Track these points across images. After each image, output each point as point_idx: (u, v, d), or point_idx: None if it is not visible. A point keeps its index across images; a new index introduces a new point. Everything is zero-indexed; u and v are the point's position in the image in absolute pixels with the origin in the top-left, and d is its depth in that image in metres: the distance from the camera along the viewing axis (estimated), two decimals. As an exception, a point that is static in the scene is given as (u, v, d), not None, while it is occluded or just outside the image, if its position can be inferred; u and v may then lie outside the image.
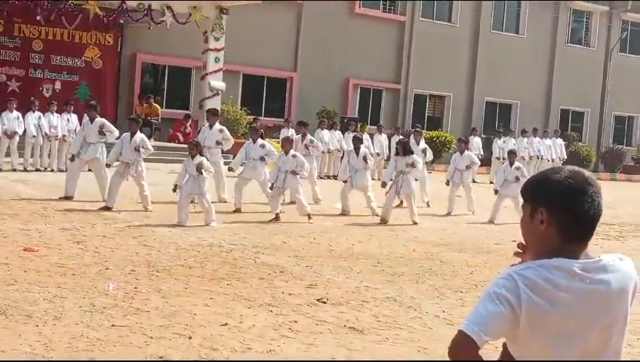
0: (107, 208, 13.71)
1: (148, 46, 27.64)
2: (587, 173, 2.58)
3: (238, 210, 14.59)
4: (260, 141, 15.17)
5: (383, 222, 14.56)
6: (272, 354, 6.27)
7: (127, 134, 14.47)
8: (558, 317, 2.44)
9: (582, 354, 2.47)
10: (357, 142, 16.18)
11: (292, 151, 14.43)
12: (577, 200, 2.50)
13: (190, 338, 6.50)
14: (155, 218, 13.11)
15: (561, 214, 2.51)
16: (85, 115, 16.36)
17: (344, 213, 15.43)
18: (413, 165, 14.77)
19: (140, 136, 14.43)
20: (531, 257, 2.56)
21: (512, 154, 16.91)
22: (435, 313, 7.88)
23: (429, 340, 6.93)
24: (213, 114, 16.65)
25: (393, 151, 17.28)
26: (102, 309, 7.13)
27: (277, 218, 13.75)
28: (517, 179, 15.71)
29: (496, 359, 2.68)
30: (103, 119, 15.70)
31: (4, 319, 6.63)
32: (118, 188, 14.00)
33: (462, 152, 17.44)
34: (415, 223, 14.59)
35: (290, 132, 23.89)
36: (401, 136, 25.95)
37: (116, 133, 15.45)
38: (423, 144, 18.85)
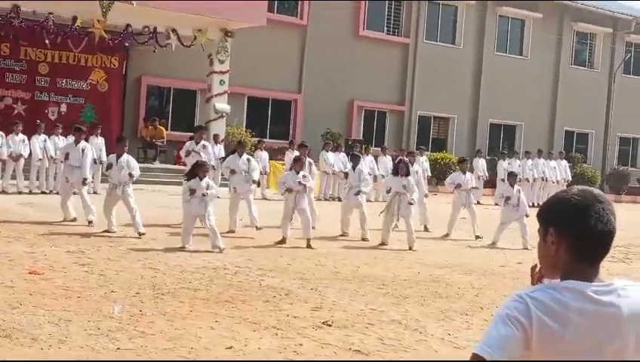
0: (107, 231, 13.80)
1: (153, 69, 27.77)
2: (597, 191, 2.58)
3: (232, 231, 14.66)
4: (245, 156, 15.53)
5: (383, 244, 14.50)
6: (277, 377, 6.26)
7: (113, 156, 14.46)
8: (569, 339, 2.43)
9: None
10: (355, 159, 16.21)
11: (302, 172, 14.21)
12: (583, 216, 2.50)
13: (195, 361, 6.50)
14: (160, 241, 13.10)
15: (568, 232, 2.51)
16: (71, 135, 16.63)
17: (344, 234, 15.44)
18: (405, 188, 14.57)
19: (126, 157, 14.30)
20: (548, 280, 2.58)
21: (512, 176, 16.68)
22: (440, 336, 7.86)
23: (435, 363, 6.91)
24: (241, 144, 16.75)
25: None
26: (107, 332, 7.13)
27: (283, 241, 13.68)
28: (518, 200, 15.69)
29: None
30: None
31: (8, 342, 6.63)
32: (112, 209, 13.91)
33: (464, 172, 17.34)
34: (411, 249, 14.21)
35: (295, 154, 23.97)
36: (405, 158, 26.02)
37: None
38: (417, 166, 18.85)
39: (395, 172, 15.07)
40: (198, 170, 12.76)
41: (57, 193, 19.97)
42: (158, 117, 27.62)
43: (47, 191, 20.02)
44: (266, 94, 30.47)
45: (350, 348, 7.21)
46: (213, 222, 12.64)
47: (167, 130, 27.63)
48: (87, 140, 20.70)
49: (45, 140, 20.09)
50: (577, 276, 2.49)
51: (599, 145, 38.67)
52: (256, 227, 15.02)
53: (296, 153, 24.20)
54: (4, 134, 19.59)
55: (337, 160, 24.40)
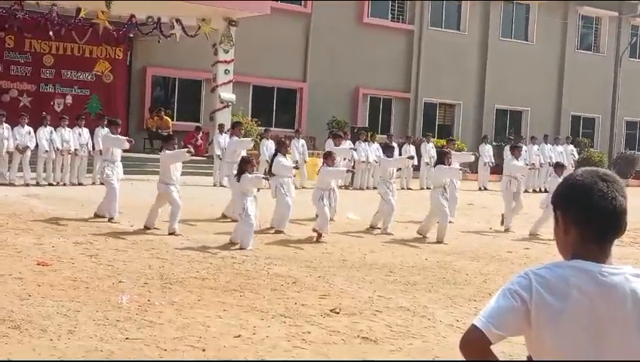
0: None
1: (158, 59, 27.75)
2: (603, 170, 2.58)
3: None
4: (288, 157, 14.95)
5: (422, 235, 13.92)
6: (285, 365, 6.27)
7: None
8: (568, 315, 2.44)
9: (595, 359, 2.47)
10: (389, 150, 15.69)
11: (335, 166, 13.60)
12: (587, 196, 2.50)
13: (204, 350, 6.52)
14: (166, 230, 13.08)
15: (573, 212, 2.53)
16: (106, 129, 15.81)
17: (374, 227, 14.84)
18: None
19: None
20: None
21: (559, 167, 16.01)
22: (448, 322, 7.86)
23: (443, 349, 6.92)
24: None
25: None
26: (115, 322, 7.15)
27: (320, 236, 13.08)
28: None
29: None
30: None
31: (18, 333, 6.66)
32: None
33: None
34: (440, 242, 13.59)
35: (301, 142, 23.93)
36: (431, 144, 25.84)
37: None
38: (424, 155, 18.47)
39: (442, 162, 14.24)
40: (246, 166, 12.19)
41: (64, 184, 20.11)
42: (163, 107, 27.63)
43: (54, 183, 20.06)
44: (271, 83, 30.42)
45: (358, 335, 7.22)
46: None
47: (172, 120, 27.63)
48: (92, 132, 20.85)
49: (51, 132, 20.12)
50: (585, 256, 2.50)
51: (606, 129, 38.53)
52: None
53: (303, 141, 24.31)
54: (10, 126, 19.62)
55: (344, 147, 24.34)
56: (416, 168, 26.03)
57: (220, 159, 22.92)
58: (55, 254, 10.44)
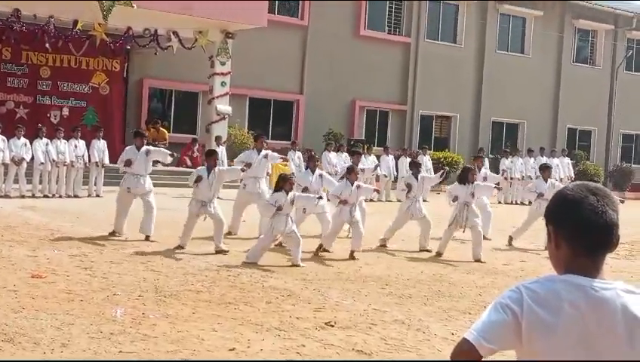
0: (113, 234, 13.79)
1: (154, 71, 27.77)
2: (594, 184, 2.58)
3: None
4: (317, 172, 14.12)
5: (439, 255, 13.45)
6: (279, 378, 6.25)
7: (202, 168, 13.29)
8: (561, 330, 2.43)
9: None
10: (416, 167, 15.03)
11: (357, 183, 13.08)
12: (577, 210, 2.50)
13: (198, 363, 6.49)
14: (162, 243, 13.06)
15: (564, 227, 2.53)
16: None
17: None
18: (472, 196, 13.51)
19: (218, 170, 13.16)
20: None
21: (547, 169, 15.99)
22: (443, 335, 7.84)
23: (438, 363, 6.89)
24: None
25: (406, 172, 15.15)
26: (109, 336, 7.12)
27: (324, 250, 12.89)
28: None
29: None
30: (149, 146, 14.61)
31: (11, 346, 6.63)
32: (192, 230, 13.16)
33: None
34: (479, 261, 13.10)
35: (297, 154, 23.94)
36: (428, 156, 25.73)
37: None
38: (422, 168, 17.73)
39: (462, 180, 13.62)
40: (284, 183, 11.72)
41: (60, 196, 20.08)
42: (160, 119, 27.63)
43: (50, 195, 20.05)
44: (268, 95, 30.45)
45: (353, 349, 7.20)
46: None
47: (169, 132, 27.64)
48: (89, 144, 20.85)
49: (47, 144, 20.11)
50: (577, 270, 2.49)
51: (602, 142, 38.61)
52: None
53: (299, 153, 24.31)
54: (6, 138, 19.60)
55: (339, 160, 24.36)
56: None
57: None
58: (50, 266, 10.41)
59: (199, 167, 13.47)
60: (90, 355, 6.51)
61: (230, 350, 6.92)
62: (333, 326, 7.97)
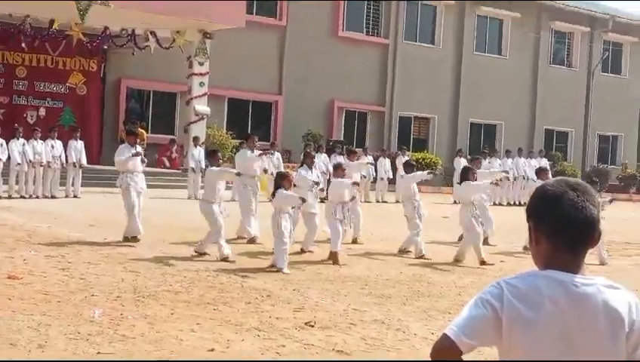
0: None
1: (132, 71, 27.63)
2: (574, 180, 2.57)
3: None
4: (315, 170, 14.02)
5: (458, 261, 13.01)
6: (259, 379, 6.21)
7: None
8: (541, 326, 2.42)
9: None
10: (409, 167, 14.74)
11: (348, 179, 12.90)
12: (556, 205, 2.48)
13: (177, 364, 6.44)
14: (141, 244, 12.98)
15: (544, 222, 2.51)
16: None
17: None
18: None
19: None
20: None
21: (543, 172, 15.74)
22: (423, 335, 7.83)
23: (418, 362, 6.89)
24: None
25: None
26: (87, 336, 7.05)
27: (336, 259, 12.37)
28: None
29: None
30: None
31: (-13, 348, 6.55)
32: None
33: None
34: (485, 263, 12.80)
35: (276, 155, 23.87)
36: (407, 158, 25.65)
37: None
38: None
39: (467, 178, 13.31)
40: (282, 182, 11.47)
41: (37, 197, 19.92)
42: (138, 120, 27.49)
43: (27, 196, 19.90)
44: (247, 96, 30.40)
45: (333, 349, 7.17)
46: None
47: (147, 132, 27.49)
48: (66, 144, 20.71)
49: (24, 144, 19.95)
50: (558, 266, 2.48)
51: (579, 143, 38.89)
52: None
53: (278, 154, 24.25)
54: (-19, 139, 19.43)
55: (319, 160, 24.33)
56: (392, 181, 26.08)
57: (194, 172, 22.84)
58: (26, 267, 10.31)
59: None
60: (69, 356, 6.44)
61: (209, 350, 6.87)
62: (312, 326, 7.94)
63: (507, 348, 2.48)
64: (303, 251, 12.81)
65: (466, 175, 13.45)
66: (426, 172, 15.54)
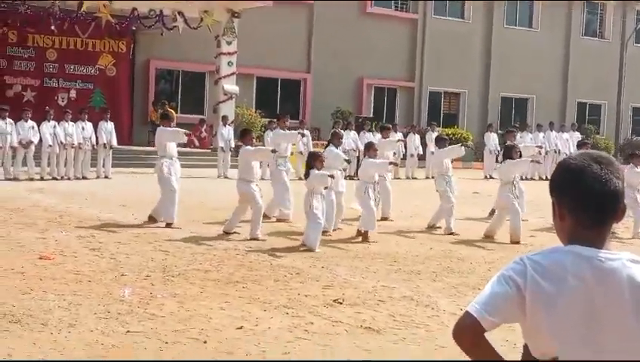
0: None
1: (161, 52, 27.70)
2: (598, 152, 2.51)
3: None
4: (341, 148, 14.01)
5: (490, 236, 12.92)
6: (287, 356, 6.22)
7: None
8: (564, 301, 2.38)
9: (593, 351, 2.39)
10: (442, 142, 14.60)
11: (381, 159, 12.87)
12: (579, 178, 2.43)
13: (205, 342, 6.47)
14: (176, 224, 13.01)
15: (568, 197, 2.46)
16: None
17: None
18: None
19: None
20: None
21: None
22: (452, 311, 7.80)
23: (446, 339, 6.85)
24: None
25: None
26: (117, 315, 7.11)
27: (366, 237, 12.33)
28: None
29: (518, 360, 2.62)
30: None
31: (19, 327, 6.62)
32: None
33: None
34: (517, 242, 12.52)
35: (306, 133, 23.82)
36: (436, 133, 25.32)
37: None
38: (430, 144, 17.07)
39: (510, 157, 13.16)
40: (315, 162, 11.43)
41: (68, 178, 20.11)
42: (167, 100, 27.59)
43: (59, 178, 20.08)
44: (275, 74, 30.36)
45: (361, 325, 7.17)
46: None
47: (176, 112, 27.56)
48: (96, 126, 20.87)
49: (55, 126, 20.11)
50: (582, 241, 2.43)
51: (612, 116, 38.35)
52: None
53: (307, 132, 24.22)
54: (13, 121, 19.61)
55: (348, 138, 24.27)
56: (422, 157, 25.96)
57: (224, 151, 22.91)
58: (58, 248, 10.41)
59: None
60: (98, 335, 6.50)
61: (238, 328, 6.90)
62: (341, 303, 7.94)
63: (530, 325, 2.44)
64: (326, 232, 12.33)
65: (509, 153, 13.26)
66: (458, 145, 15.44)
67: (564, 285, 2.38)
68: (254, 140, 13.29)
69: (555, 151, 28.39)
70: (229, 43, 25.86)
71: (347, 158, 13.60)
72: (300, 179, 12.79)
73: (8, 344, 6.17)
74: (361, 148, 22.92)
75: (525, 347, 2.55)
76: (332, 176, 11.58)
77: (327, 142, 14.06)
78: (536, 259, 2.44)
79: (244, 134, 12.92)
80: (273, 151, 12.98)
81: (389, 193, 14.81)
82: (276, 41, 29.54)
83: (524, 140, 27.50)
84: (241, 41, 26.15)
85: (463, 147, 15.10)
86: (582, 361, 2.38)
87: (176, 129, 13.67)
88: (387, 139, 16.36)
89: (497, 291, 2.43)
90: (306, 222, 11.36)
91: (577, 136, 30.32)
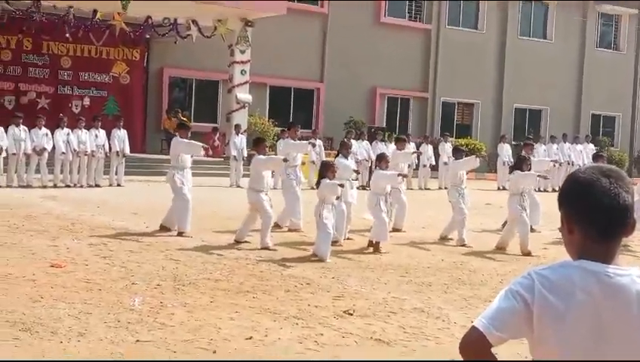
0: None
1: (174, 60, 27.78)
2: (608, 166, 2.49)
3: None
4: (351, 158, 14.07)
5: (501, 248, 12.85)
6: (296, 367, 6.20)
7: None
8: (572, 317, 2.35)
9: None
10: (458, 153, 14.63)
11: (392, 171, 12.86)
12: (588, 192, 2.40)
13: (215, 352, 6.46)
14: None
15: (576, 210, 2.43)
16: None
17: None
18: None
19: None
20: None
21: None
22: (463, 323, 7.75)
23: (457, 351, 6.80)
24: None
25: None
26: (127, 325, 7.10)
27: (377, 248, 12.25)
28: None
29: None
30: None
31: (28, 336, 6.62)
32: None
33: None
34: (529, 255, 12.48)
35: (318, 143, 23.77)
36: (449, 144, 25.33)
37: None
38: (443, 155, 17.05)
39: (520, 168, 13.11)
40: (326, 171, 11.43)
41: (81, 186, 20.16)
42: (180, 108, 27.65)
43: (72, 185, 20.12)
44: (288, 83, 30.38)
45: (371, 337, 7.14)
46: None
47: (190, 121, 27.61)
48: (109, 133, 20.93)
49: (68, 134, 20.19)
50: (590, 256, 2.41)
51: (626, 128, 38.19)
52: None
53: (319, 142, 24.19)
54: (27, 128, 19.70)
55: (360, 148, 24.27)
56: (434, 168, 25.91)
57: (236, 160, 22.93)
58: (69, 256, 10.43)
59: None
60: (107, 344, 6.49)
61: (247, 339, 6.88)
62: (351, 314, 7.91)
63: (538, 340, 2.41)
64: (336, 243, 12.21)
65: (519, 164, 13.22)
66: (473, 157, 15.40)
67: (572, 300, 2.36)
68: (267, 149, 13.23)
69: (569, 163, 28.28)
70: (242, 52, 25.91)
71: (356, 169, 13.57)
72: (312, 188, 12.77)
73: (18, 352, 6.17)
74: (374, 158, 22.95)
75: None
76: (342, 186, 11.55)
77: (337, 152, 14.04)
78: (544, 273, 2.41)
79: (257, 143, 12.87)
80: (284, 160, 12.96)
81: (404, 205, 14.73)
82: (290, 50, 29.59)
83: (538, 152, 27.44)
84: (254, 50, 26.20)
85: (478, 159, 15.10)
86: None
87: (195, 142, 13.60)
88: (402, 151, 16.26)
89: (504, 306, 2.41)
90: (317, 232, 11.33)
91: (591, 148, 30.22)
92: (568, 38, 36.16)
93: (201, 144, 13.62)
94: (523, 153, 15.31)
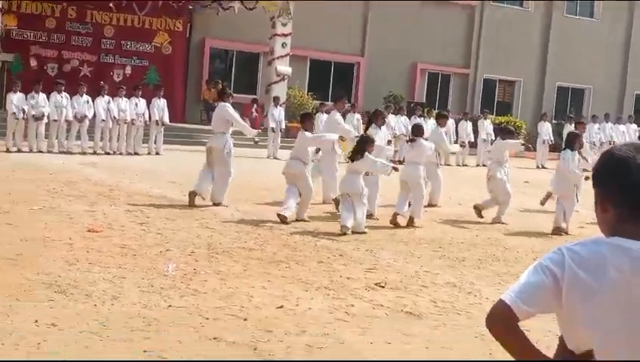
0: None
1: (216, 32, 27.84)
2: None
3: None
4: (384, 128, 13.69)
5: (560, 230, 12.39)
6: (326, 337, 6.22)
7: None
8: (603, 293, 2.31)
9: (629, 344, 2.33)
10: (508, 134, 14.17)
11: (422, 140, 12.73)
12: (623, 169, 2.35)
13: (245, 319, 6.51)
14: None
15: (610, 188, 2.39)
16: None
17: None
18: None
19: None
20: None
21: None
22: (494, 299, 7.68)
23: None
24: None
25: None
26: (160, 290, 7.18)
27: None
28: None
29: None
30: None
31: (63, 298, 6.73)
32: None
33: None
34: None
35: (356, 117, 23.71)
36: (488, 121, 25.10)
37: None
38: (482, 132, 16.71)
39: (571, 146, 12.55)
40: (367, 146, 11.23)
41: (121, 154, 20.38)
42: (220, 79, 27.74)
43: (111, 152, 20.34)
44: (329, 57, 30.29)
45: (402, 310, 7.13)
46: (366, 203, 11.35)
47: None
48: (149, 103, 21.09)
49: (109, 102, 20.38)
50: (624, 234, 2.36)
51: (672, 109, 37.53)
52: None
53: (358, 116, 24.13)
54: (69, 96, 19.92)
55: (399, 122, 24.16)
56: (473, 145, 25.72)
57: (274, 132, 22.97)
58: (106, 221, 10.56)
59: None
60: (140, 308, 6.57)
61: (278, 307, 6.92)
62: (383, 286, 7.91)
63: (567, 316, 2.38)
64: (371, 216, 12.19)
65: (570, 142, 12.70)
66: (519, 142, 15.26)
67: (602, 276, 2.32)
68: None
69: (610, 143, 27.84)
70: (284, 24, 25.89)
71: (389, 139, 13.42)
72: (347, 161, 12.63)
73: (53, 314, 6.27)
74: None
75: (561, 338, 2.50)
76: (395, 168, 11.54)
77: (367, 120, 13.81)
78: (575, 249, 2.37)
79: (304, 119, 12.61)
80: (341, 138, 12.91)
81: (440, 181, 14.64)
82: (331, 24, 29.47)
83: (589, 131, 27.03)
84: (295, 23, 26.15)
85: (523, 146, 15.08)
86: (616, 358, 2.33)
87: (246, 125, 13.85)
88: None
89: (533, 280, 2.38)
90: (355, 207, 11.23)
91: (634, 128, 29.75)
92: (615, 17, 35.53)
93: (255, 131, 13.39)
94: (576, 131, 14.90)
